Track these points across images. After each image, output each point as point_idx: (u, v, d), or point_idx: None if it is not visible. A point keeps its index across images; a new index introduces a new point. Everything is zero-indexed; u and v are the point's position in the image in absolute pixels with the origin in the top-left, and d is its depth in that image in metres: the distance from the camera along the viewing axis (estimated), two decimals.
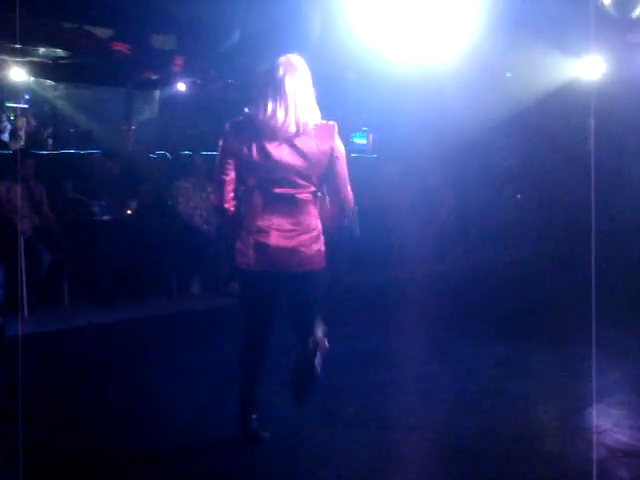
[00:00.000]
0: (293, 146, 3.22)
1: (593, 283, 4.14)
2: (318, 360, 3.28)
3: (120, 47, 8.54)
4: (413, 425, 4.00)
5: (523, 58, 8.58)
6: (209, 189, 7.34)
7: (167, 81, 10.51)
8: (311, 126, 3.24)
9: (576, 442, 3.73)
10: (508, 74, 10.29)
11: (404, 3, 1.98)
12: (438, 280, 7.66)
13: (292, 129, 3.21)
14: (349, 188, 3.38)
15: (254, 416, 3.60)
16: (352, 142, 12.79)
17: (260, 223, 3.29)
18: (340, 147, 3.31)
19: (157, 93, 12.46)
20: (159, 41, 9.63)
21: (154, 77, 10.44)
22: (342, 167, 3.34)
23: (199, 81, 10.41)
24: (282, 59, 3.27)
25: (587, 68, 9.08)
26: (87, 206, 7.22)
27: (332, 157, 3.29)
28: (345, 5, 6.31)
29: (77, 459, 3.55)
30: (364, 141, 13.55)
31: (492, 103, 9.06)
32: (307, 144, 3.24)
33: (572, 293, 6.11)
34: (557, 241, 9.80)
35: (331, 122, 3.31)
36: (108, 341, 5.70)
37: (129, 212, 7.29)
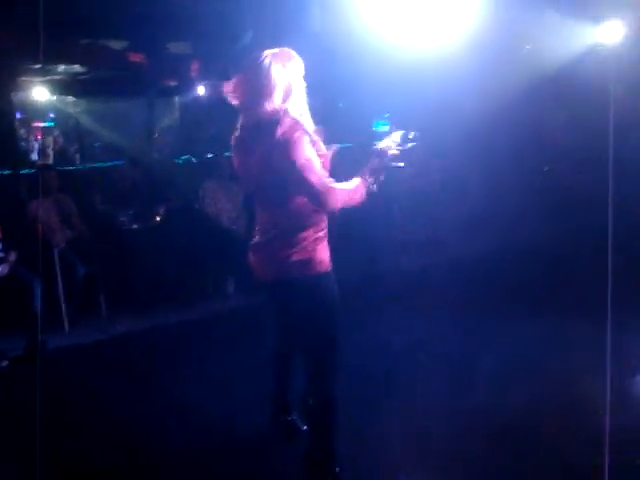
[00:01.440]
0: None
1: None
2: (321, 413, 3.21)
3: (136, 57, 8.61)
4: (457, 407, 3.98)
5: (541, 29, 8.45)
6: (235, 189, 7.39)
7: (186, 86, 10.58)
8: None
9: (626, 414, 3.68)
10: (527, 46, 10.14)
11: None
12: (467, 263, 7.57)
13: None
14: (320, 189, 2.95)
15: (289, 417, 3.60)
16: (375, 130, 12.73)
17: (255, 228, 3.28)
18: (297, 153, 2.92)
19: (176, 99, 12.54)
20: (174, 47, 9.67)
21: (173, 83, 10.52)
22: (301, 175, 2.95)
23: (217, 83, 10.45)
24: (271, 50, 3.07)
25: (607, 33, 8.89)
26: (116, 216, 7.31)
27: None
28: None
29: (122, 464, 3.60)
30: (387, 128, 13.48)
31: (512, 77, 8.94)
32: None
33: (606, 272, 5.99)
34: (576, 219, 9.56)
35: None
36: (148, 348, 5.76)
37: (158, 219, 7.36)
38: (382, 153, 3.17)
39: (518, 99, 9.50)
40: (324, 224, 3.15)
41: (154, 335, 6.16)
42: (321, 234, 3.13)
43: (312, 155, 2.94)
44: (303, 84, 3.09)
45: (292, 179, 2.93)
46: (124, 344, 5.95)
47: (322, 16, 7.54)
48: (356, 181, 3.10)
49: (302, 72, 3.09)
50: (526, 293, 6.27)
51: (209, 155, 8.88)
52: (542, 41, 9.09)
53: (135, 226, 7.19)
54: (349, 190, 3.06)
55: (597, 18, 8.59)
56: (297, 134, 2.91)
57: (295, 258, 3.04)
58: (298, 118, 2.99)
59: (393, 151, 3.19)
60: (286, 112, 2.98)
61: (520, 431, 3.65)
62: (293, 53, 3.09)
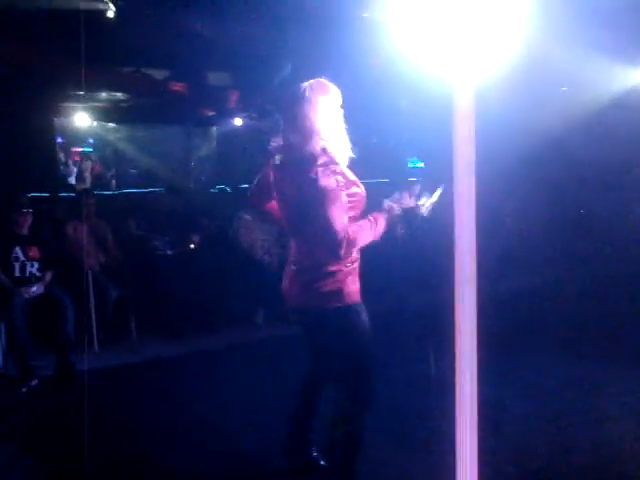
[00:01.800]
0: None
1: None
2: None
3: (177, 87, 8.79)
4: (485, 449, 3.92)
5: (579, 71, 8.44)
6: (269, 220, 7.44)
7: (224, 117, 10.75)
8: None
9: None
10: (564, 88, 10.14)
11: (452, 18, 1.99)
12: (497, 299, 7.49)
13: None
14: (336, 239, 2.94)
15: (314, 449, 3.58)
16: (409, 166, 12.79)
17: (289, 257, 3.31)
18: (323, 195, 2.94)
19: (214, 129, 12.74)
20: (214, 78, 9.86)
21: (211, 113, 10.70)
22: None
23: (254, 115, 10.61)
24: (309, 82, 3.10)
25: None
26: (151, 242, 7.40)
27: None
28: (392, 29, 6.36)
29: None
30: (421, 164, 13.52)
31: (547, 118, 8.92)
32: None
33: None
34: (617, 259, 9.45)
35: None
36: (176, 372, 5.79)
37: (192, 246, 7.43)
38: (391, 209, 3.24)
39: (555, 139, 9.47)
40: (355, 257, 3.15)
41: (183, 360, 6.19)
42: (352, 267, 3.12)
43: (337, 200, 2.94)
44: (341, 114, 3.12)
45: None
46: (153, 368, 5.99)
47: (359, 49, 7.62)
48: (373, 224, 3.14)
49: (339, 102, 3.12)
50: (563, 333, 6.20)
51: (244, 185, 8.98)
52: (580, 82, 9.08)
53: (169, 252, 7.27)
54: (363, 236, 3.08)
55: (637, 60, 8.58)
56: (326, 175, 2.93)
57: (325, 289, 3.06)
58: (334, 155, 3.02)
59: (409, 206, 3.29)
60: (324, 150, 3.00)
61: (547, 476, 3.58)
62: (329, 84, 3.12)
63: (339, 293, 3.07)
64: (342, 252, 2.96)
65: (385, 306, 7.11)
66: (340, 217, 2.92)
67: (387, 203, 3.25)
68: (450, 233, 2.12)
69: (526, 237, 9.66)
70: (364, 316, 3.16)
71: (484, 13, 2.27)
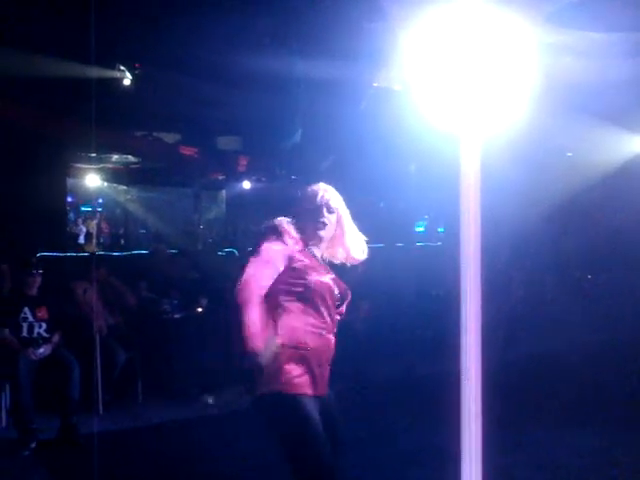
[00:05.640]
0: None
1: None
2: None
3: (187, 151, 8.96)
4: None
5: (584, 137, 8.58)
6: None
7: (233, 180, 10.90)
8: None
9: None
10: (569, 154, 10.28)
11: (460, 84, 2.06)
12: (506, 367, 7.43)
13: None
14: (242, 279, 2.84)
15: None
16: (416, 231, 12.90)
17: None
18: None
19: (223, 192, 12.89)
20: (224, 142, 10.05)
21: (220, 177, 10.86)
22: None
23: (264, 179, 10.77)
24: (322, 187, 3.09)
25: None
26: (160, 305, 7.40)
27: None
28: (402, 98, 6.52)
29: None
30: (422, 229, 13.65)
31: (552, 183, 9.02)
32: None
33: None
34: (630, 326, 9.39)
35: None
36: (183, 437, 5.71)
37: (200, 310, 7.43)
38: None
39: (560, 205, 9.54)
40: (305, 344, 2.86)
41: (188, 426, 6.12)
42: (298, 352, 2.84)
43: (268, 262, 2.89)
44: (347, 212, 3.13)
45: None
46: (157, 432, 5.92)
47: (368, 116, 7.79)
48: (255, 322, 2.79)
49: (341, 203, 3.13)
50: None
51: (250, 249, 9.02)
52: (584, 149, 9.21)
53: (177, 315, 7.27)
54: (249, 309, 2.77)
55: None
56: (274, 243, 2.96)
57: (265, 370, 2.80)
58: (299, 237, 3.01)
59: None
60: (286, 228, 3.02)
61: None
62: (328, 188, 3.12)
63: (277, 376, 2.81)
64: (237, 295, 2.76)
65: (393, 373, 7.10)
66: (258, 272, 2.85)
67: None
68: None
69: (534, 303, 9.63)
70: (314, 414, 2.81)
71: (492, 79, 2.35)
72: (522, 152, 7.84)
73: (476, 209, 2.01)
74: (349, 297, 3.07)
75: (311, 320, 2.88)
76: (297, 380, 2.81)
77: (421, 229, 13.98)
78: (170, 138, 9.62)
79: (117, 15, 6.27)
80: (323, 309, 2.91)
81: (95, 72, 7.12)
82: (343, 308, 3.07)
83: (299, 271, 2.90)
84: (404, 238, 10.39)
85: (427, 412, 5.81)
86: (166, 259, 8.25)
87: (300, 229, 3.01)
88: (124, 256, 10.61)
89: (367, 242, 3.20)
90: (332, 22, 6.48)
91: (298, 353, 2.83)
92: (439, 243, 11.93)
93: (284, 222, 3.02)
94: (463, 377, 2.00)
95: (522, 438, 5.24)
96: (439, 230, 13.56)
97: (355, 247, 3.12)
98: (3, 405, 5.93)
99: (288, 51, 6.61)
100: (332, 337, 2.96)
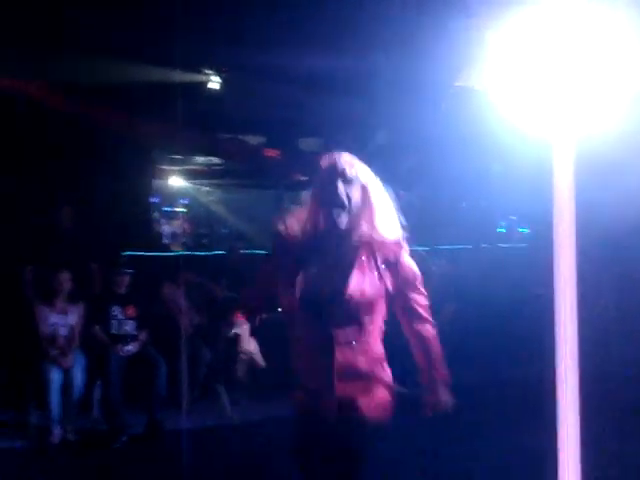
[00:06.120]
0: None
1: None
2: None
3: (271, 153, 9.04)
4: None
5: None
6: None
7: None
8: None
9: None
10: None
11: (553, 85, 1.97)
12: (604, 373, 7.14)
13: None
14: None
15: None
16: (500, 231, 12.63)
17: None
18: None
19: (305, 193, 12.94)
20: (307, 144, 10.09)
21: (303, 178, 10.91)
22: None
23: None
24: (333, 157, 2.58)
25: None
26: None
27: None
28: (488, 96, 6.38)
29: None
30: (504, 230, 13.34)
31: None
32: None
33: None
34: None
35: None
36: (267, 436, 5.74)
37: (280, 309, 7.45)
38: None
39: None
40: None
41: (273, 424, 6.14)
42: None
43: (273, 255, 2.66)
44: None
45: None
46: (241, 431, 5.97)
47: (451, 116, 7.66)
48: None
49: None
50: None
51: None
52: None
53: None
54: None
55: None
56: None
57: None
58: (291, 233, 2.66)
59: None
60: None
61: None
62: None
63: None
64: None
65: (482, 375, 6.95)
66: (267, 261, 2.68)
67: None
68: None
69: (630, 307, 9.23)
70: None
71: (588, 80, 2.25)
72: (620, 156, 7.54)
73: (571, 217, 1.94)
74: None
75: None
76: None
77: (502, 229, 13.66)
78: (254, 140, 9.75)
79: (203, 20, 6.39)
80: None
81: (182, 76, 7.28)
82: None
83: None
84: (487, 238, 10.20)
85: (519, 417, 5.68)
86: (240, 258, 8.33)
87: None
88: (207, 256, 10.81)
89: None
90: (415, 21, 6.41)
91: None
92: (523, 245, 11.63)
93: None
94: (559, 384, 1.93)
95: (624, 448, 5.02)
96: (520, 230, 13.22)
97: (383, 224, 2.53)
98: (95, 398, 6.12)
99: (371, 52, 6.59)
100: None
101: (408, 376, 2.71)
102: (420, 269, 2.78)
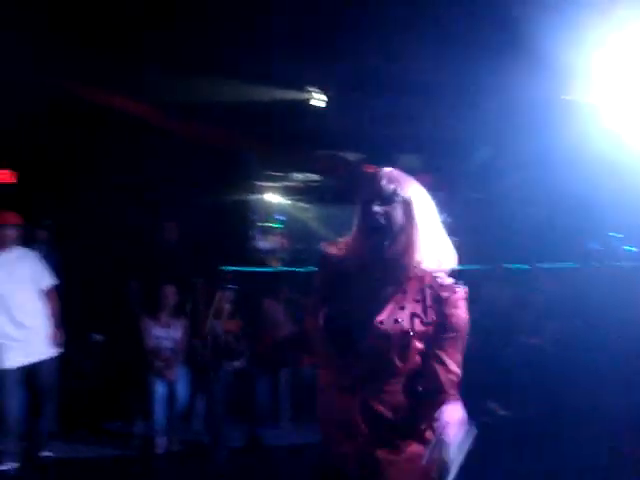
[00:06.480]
0: None
1: None
2: None
3: (370, 169, 9.00)
4: None
5: None
6: None
7: None
8: None
9: None
10: None
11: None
12: None
13: None
14: None
15: None
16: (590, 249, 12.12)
17: None
18: None
19: None
20: (407, 161, 10.01)
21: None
22: None
23: (447, 197, 10.59)
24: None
25: None
26: None
27: None
28: (597, 111, 6.16)
29: None
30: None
31: None
32: None
33: None
34: None
35: None
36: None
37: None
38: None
39: None
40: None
41: None
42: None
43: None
44: None
45: None
46: None
47: (558, 131, 7.43)
48: None
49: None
50: None
51: None
52: None
53: None
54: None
55: None
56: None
57: None
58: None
59: None
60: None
61: None
62: None
63: None
64: None
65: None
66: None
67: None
68: None
69: None
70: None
71: None
72: None
73: None
74: None
75: None
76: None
77: (631, 248, 13.07)
78: (354, 157, 9.76)
79: (306, 40, 6.44)
80: None
81: (285, 94, 7.36)
82: None
83: None
84: (592, 257, 9.80)
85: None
86: None
87: None
88: (304, 272, 10.85)
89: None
90: (522, 33, 6.25)
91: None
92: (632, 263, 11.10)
93: None
94: None
95: None
96: (626, 249, 12.63)
97: (428, 249, 2.14)
98: (197, 411, 6.20)
99: (475, 65, 6.46)
100: None
101: None
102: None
